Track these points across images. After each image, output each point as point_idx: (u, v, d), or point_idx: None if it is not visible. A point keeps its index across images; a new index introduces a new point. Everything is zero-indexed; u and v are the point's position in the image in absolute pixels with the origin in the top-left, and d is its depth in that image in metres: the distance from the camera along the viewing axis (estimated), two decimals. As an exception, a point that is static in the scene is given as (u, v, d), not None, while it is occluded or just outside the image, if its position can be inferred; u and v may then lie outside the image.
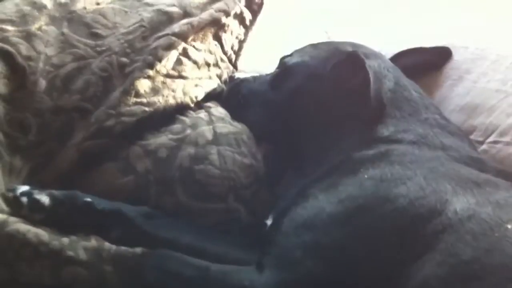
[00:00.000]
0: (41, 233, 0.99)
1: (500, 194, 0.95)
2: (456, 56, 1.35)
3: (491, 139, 1.22)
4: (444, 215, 0.91)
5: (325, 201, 0.99)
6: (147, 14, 1.25)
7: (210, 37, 1.28)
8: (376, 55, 1.22)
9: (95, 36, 1.21)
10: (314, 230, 0.97)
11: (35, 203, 1.04)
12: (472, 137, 1.23)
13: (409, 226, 0.92)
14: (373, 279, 0.91)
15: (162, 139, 1.15)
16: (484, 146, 1.22)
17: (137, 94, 1.17)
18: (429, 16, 1.47)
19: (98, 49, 1.19)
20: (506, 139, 1.21)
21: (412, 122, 1.12)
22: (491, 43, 1.35)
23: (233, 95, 1.28)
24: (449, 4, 1.44)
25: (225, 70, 1.32)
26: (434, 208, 0.93)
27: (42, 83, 1.14)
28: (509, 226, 0.88)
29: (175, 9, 1.26)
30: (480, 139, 1.23)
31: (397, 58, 1.33)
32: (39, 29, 1.20)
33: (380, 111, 1.12)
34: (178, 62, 1.22)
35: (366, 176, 1.00)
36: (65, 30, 1.21)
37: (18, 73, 1.14)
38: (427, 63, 1.36)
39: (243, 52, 1.36)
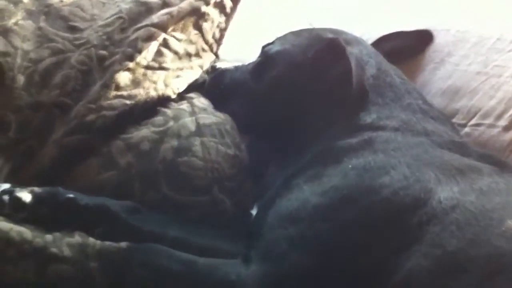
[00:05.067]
0: (24, 231, 0.97)
1: (484, 180, 0.95)
2: (438, 39, 1.35)
3: (473, 121, 1.23)
4: (429, 205, 0.91)
5: (310, 192, 0.99)
6: (125, 5, 1.24)
7: (190, 26, 1.26)
8: (358, 41, 1.22)
9: (73, 29, 1.19)
10: (299, 222, 0.96)
11: (16, 201, 1.02)
12: (454, 120, 1.24)
13: (394, 217, 0.92)
14: (359, 271, 0.90)
15: (144, 132, 1.14)
16: (466, 129, 1.22)
17: (118, 87, 1.15)
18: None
19: (76, 42, 1.18)
20: (488, 121, 1.21)
21: (394, 108, 1.11)
22: (473, 25, 1.35)
23: (215, 85, 1.27)
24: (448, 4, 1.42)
25: (207, 59, 1.30)
26: (418, 198, 0.92)
27: (20, 79, 1.13)
28: (493, 215, 0.88)
29: (153, -1, 1.25)
30: (463, 122, 1.24)
31: (379, 43, 1.32)
32: (16, 24, 1.17)
33: (362, 98, 1.11)
34: (159, 53, 1.20)
35: (350, 166, 0.99)
36: (42, 24, 1.19)
37: (-5, 69, 1.12)
38: (408, 47, 1.36)
39: (224, 41, 1.35)
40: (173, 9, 1.24)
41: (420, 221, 0.90)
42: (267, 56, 1.23)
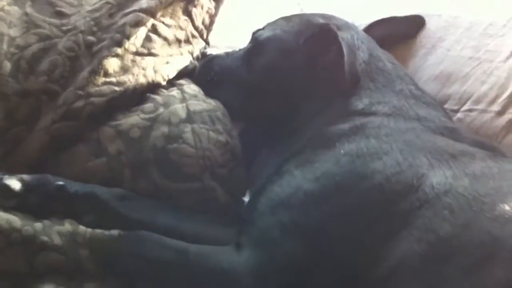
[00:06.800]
0: (13, 219, 0.96)
1: (476, 165, 0.95)
2: (429, 24, 1.34)
3: (465, 107, 1.23)
4: (421, 190, 0.91)
5: (302, 178, 0.98)
6: (113, -10, 1.21)
7: (179, 12, 1.25)
8: (349, 26, 1.21)
9: (60, 15, 1.17)
10: (291, 209, 0.96)
11: (5, 189, 1.01)
12: (447, 105, 1.23)
13: (386, 202, 0.91)
14: (352, 256, 0.90)
15: (134, 119, 1.13)
16: (459, 115, 1.22)
17: (106, 74, 1.13)
18: None
19: (64, 28, 1.15)
20: (480, 106, 1.21)
21: (386, 93, 1.11)
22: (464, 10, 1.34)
23: (206, 72, 1.25)
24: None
25: (197, 46, 1.29)
26: (410, 183, 0.92)
27: (7, 66, 1.10)
28: (485, 200, 0.88)
29: (142, -16, 1.23)
30: (455, 107, 1.24)
31: (370, 29, 1.32)
32: (2, 9, 1.15)
33: (354, 83, 1.11)
34: (148, 39, 1.19)
35: (342, 152, 0.99)
36: (29, 10, 1.16)
37: (-19, 56, 1.10)
38: (400, 33, 1.35)
39: (215, 27, 1.33)
40: (162, -6, 1.22)
41: (412, 206, 0.90)
42: (257, 42, 1.22)
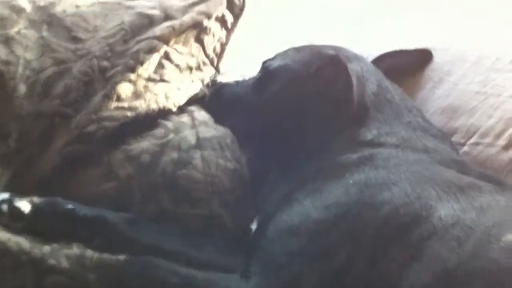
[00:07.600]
0: (22, 242, 0.97)
1: (484, 198, 0.96)
2: (437, 58, 1.36)
3: (472, 140, 1.24)
4: (429, 222, 0.92)
5: (310, 207, 0.99)
6: (128, 17, 1.24)
7: (192, 40, 1.27)
8: (358, 58, 1.23)
9: (76, 39, 1.19)
10: (299, 237, 0.96)
11: (15, 211, 1.02)
12: (453, 139, 1.24)
13: (394, 233, 0.92)
14: (359, 286, 0.91)
15: (144, 144, 1.14)
16: (465, 148, 1.23)
17: (119, 99, 1.15)
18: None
19: (79, 53, 1.18)
20: (487, 140, 1.22)
21: (395, 125, 1.12)
22: (472, 44, 1.36)
23: (215, 99, 1.27)
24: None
25: (207, 73, 1.31)
26: (419, 215, 0.93)
27: (22, 88, 1.12)
28: (493, 231, 0.89)
29: (156, 12, 1.25)
30: (462, 140, 1.24)
31: (379, 61, 1.33)
32: (18, 33, 1.17)
33: (363, 114, 1.12)
34: (160, 65, 1.21)
35: (351, 182, 1.00)
36: (45, 34, 1.19)
37: (-3, 78, 1.12)
38: (408, 65, 1.37)
39: (225, 55, 1.35)
40: (175, 22, 1.24)
41: (420, 238, 0.91)
42: (268, 72, 1.24)
